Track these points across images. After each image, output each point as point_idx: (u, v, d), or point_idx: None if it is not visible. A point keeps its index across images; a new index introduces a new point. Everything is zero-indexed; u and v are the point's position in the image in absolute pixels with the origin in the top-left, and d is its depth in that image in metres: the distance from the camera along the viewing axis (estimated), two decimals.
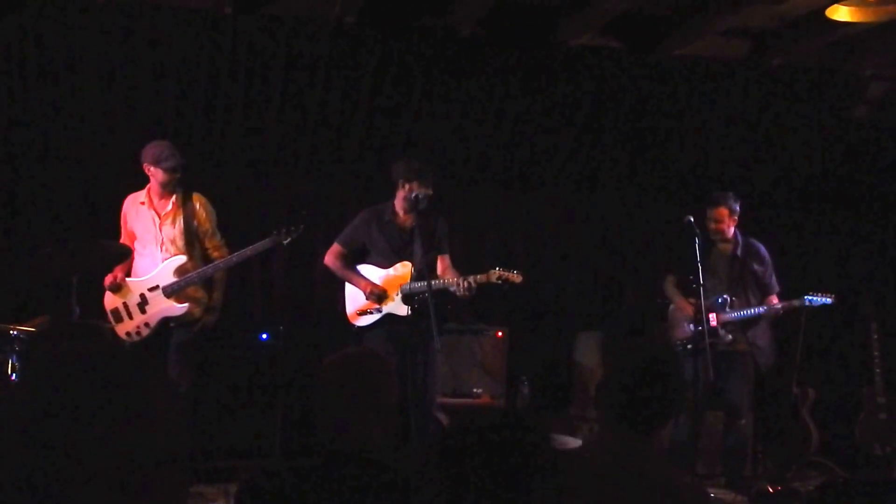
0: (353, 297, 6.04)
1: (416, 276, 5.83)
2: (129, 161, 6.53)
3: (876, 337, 7.21)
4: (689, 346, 6.24)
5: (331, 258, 6.11)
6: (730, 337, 6.38)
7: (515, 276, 5.85)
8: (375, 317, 5.94)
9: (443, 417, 6.28)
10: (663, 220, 6.79)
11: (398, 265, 5.90)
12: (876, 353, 7.19)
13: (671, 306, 6.75)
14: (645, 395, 2.58)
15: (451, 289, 5.81)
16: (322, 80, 6.73)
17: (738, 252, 6.42)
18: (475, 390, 6.97)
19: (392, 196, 6.02)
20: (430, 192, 5.91)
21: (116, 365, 1.38)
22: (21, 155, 6.83)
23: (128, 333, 5.81)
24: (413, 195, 5.85)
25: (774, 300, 6.55)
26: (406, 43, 6.62)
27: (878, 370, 7.17)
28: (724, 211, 6.47)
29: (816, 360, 7.72)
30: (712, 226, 6.50)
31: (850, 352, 8.07)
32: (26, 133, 6.74)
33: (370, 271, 6.02)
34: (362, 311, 5.98)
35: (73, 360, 1.36)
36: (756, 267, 6.56)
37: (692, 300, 6.50)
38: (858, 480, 6.17)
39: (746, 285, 6.38)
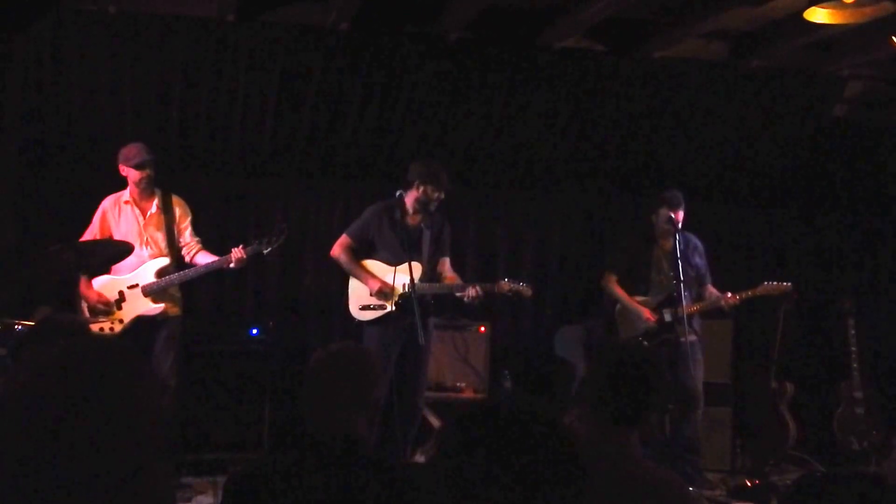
0: (357, 292, 6.02)
1: (426, 277, 5.91)
2: None
3: (853, 332, 7.26)
4: (645, 343, 6.34)
5: (339, 250, 6.07)
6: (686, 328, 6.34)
7: (525, 289, 5.94)
8: (378, 313, 5.94)
9: (427, 412, 6.36)
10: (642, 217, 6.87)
11: (408, 264, 5.80)
12: (853, 349, 7.25)
13: (618, 306, 6.71)
14: (628, 389, 2.65)
15: (458, 293, 5.91)
16: (317, 86, 6.80)
17: (680, 248, 6.36)
18: (458, 384, 7.03)
19: (394, 194, 6.00)
20: (443, 195, 6.00)
21: (95, 363, 1.40)
22: (33, 158, 6.87)
23: (101, 328, 5.83)
24: (426, 197, 5.94)
25: (715, 290, 6.61)
26: (396, 48, 6.69)
27: (855, 365, 7.22)
28: (682, 212, 6.49)
29: (794, 354, 7.81)
30: (668, 226, 6.46)
31: (827, 347, 8.13)
32: (39, 137, 6.79)
33: (377, 267, 6.02)
34: (365, 306, 6.00)
35: (52, 363, 1.39)
36: (697, 261, 6.62)
37: (639, 298, 6.62)
38: (836, 474, 6.21)
39: (688, 279, 6.39)
